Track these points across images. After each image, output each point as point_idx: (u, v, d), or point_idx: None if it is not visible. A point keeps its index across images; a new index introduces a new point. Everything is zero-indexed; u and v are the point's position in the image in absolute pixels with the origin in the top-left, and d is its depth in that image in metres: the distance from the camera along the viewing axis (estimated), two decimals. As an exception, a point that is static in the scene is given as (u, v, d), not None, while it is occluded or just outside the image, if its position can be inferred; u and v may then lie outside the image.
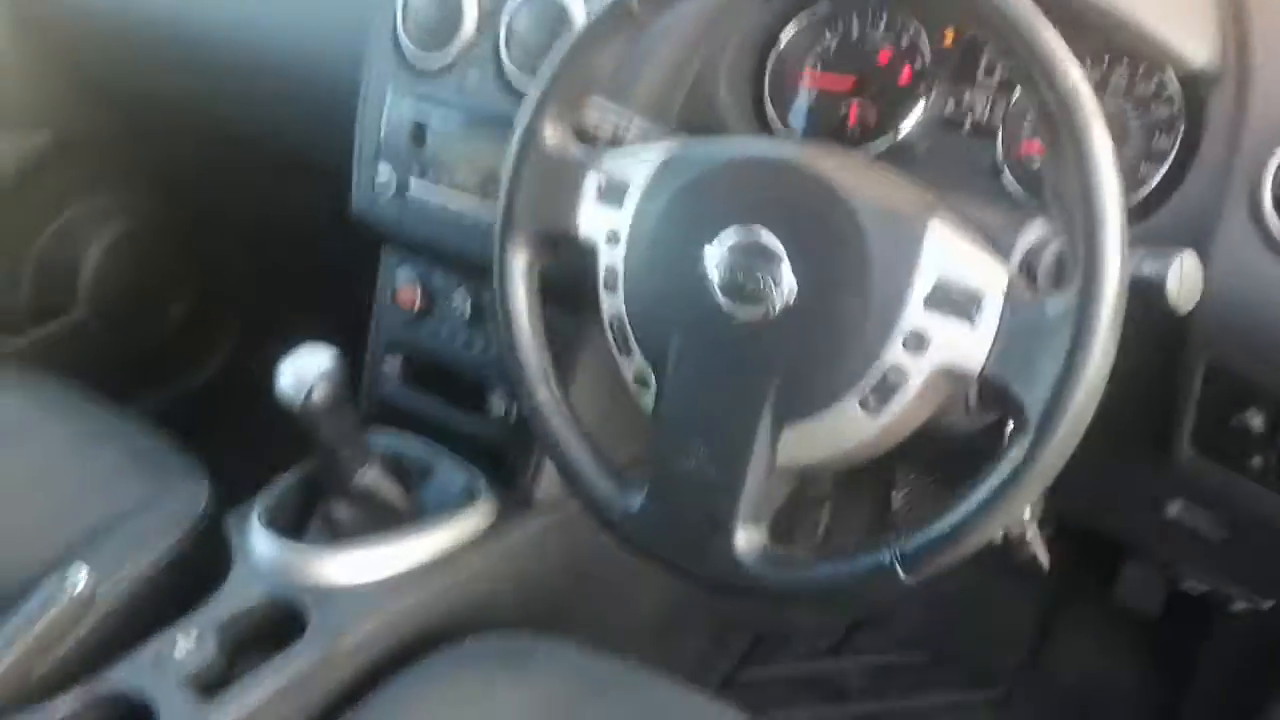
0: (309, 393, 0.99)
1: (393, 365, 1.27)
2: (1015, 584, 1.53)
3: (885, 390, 0.75)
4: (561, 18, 1.03)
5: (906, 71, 1.01)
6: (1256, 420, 0.88)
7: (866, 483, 1.59)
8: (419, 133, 1.14)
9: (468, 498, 1.13)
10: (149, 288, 1.80)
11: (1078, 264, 0.69)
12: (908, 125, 1.01)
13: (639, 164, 0.85)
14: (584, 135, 0.90)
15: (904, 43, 1.02)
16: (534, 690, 0.95)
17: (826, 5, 1.05)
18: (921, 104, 1.00)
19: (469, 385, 1.21)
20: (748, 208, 0.79)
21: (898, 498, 1.61)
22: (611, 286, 0.86)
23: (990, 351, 0.72)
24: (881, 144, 1.01)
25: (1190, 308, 0.77)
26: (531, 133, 0.88)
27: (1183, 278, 0.74)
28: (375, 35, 1.17)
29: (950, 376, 0.75)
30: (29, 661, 0.95)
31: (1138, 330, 0.71)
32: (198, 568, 1.06)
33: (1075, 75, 0.69)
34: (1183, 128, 0.90)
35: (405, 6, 1.14)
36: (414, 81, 1.15)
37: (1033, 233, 0.78)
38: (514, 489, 1.16)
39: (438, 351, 1.23)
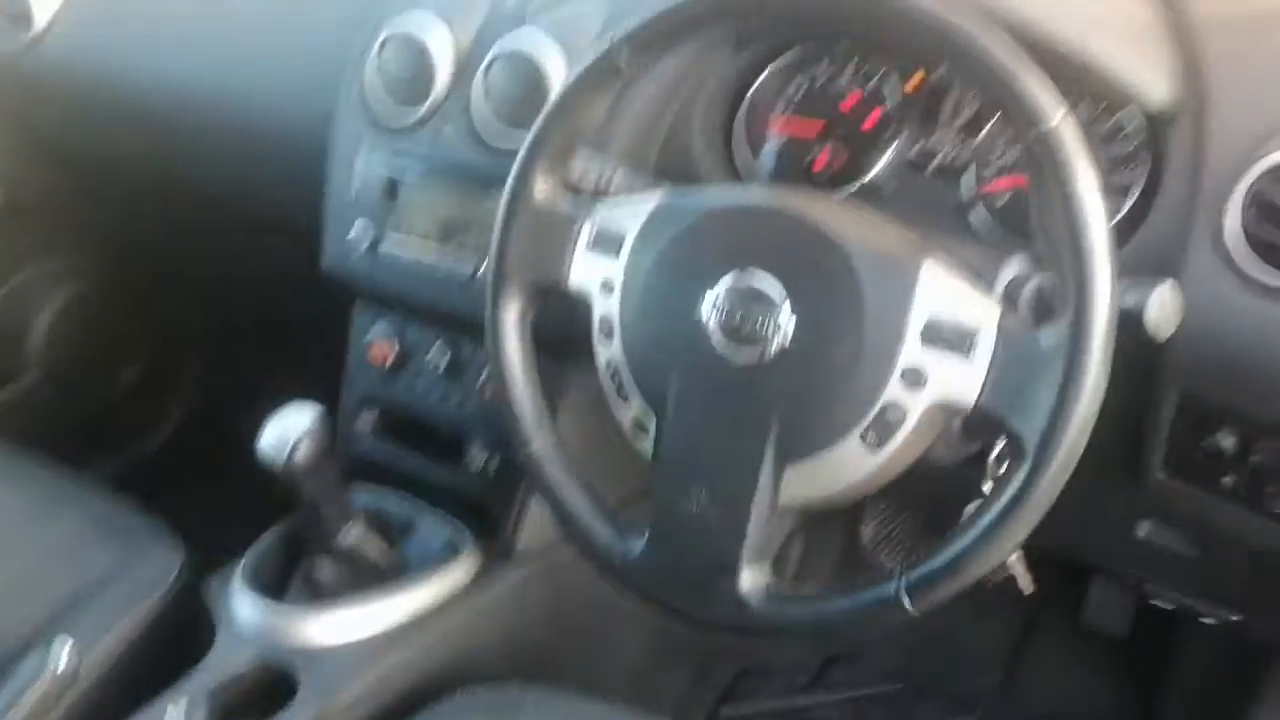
0: (292, 451, 0.98)
1: (366, 421, 1.26)
2: (987, 609, 1.55)
3: (885, 426, 0.77)
4: (537, 72, 1.05)
5: (875, 115, 1.04)
6: (1228, 441, 0.89)
7: (836, 516, 1.60)
8: (391, 188, 1.14)
9: (451, 552, 1.13)
10: (101, 350, 1.76)
11: (1068, 298, 0.71)
12: (876, 168, 1.03)
13: (632, 214, 0.86)
14: (569, 185, 0.91)
15: (870, 87, 1.04)
16: None
17: (796, 52, 1.07)
18: (890, 147, 1.02)
19: (446, 438, 1.20)
20: (742, 254, 0.80)
21: (866, 531, 1.64)
22: (608, 334, 0.86)
23: (984, 384, 0.74)
24: (851, 186, 1.03)
25: (1167, 336, 0.78)
26: (522, 185, 0.88)
27: (1162, 307, 0.76)
28: (344, 92, 1.17)
29: (946, 410, 0.76)
30: (17, 740, 0.93)
31: (1115, 358, 0.73)
32: (179, 633, 1.04)
33: (1059, 114, 0.72)
34: (1147, 164, 0.92)
35: (378, 63, 1.14)
36: (386, 137, 1.15)
37: (1013, 268, 0.80)
38: (496, 541, 1.16)
39: (413, 405, 1.22)
